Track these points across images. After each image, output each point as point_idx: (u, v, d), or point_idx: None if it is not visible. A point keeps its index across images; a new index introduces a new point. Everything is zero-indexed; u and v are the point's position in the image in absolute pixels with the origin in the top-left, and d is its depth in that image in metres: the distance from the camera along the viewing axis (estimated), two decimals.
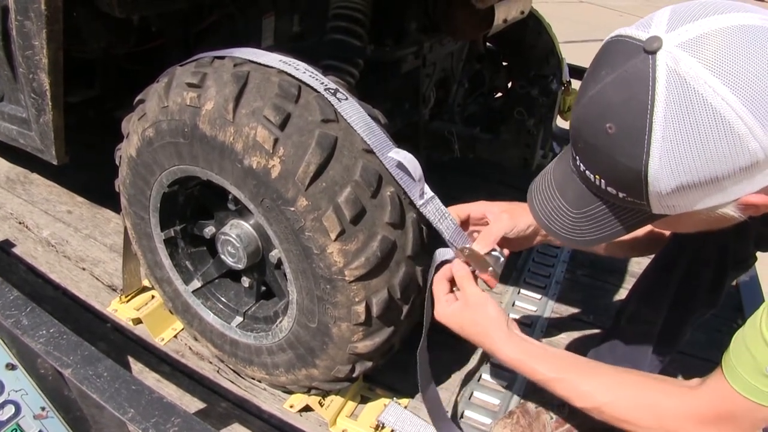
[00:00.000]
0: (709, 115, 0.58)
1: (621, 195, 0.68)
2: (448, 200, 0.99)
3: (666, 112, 0.60)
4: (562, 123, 2.08)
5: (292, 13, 1.58)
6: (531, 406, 1.15)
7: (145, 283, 1.46)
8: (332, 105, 0.93)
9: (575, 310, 1.57)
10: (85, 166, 1.68)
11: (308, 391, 1.18)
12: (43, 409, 1.09)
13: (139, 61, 1.64)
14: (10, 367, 1.12)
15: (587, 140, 0.68)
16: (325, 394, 1.20)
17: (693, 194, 0.63)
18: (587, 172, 0.70)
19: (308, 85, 0.95)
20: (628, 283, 1.67)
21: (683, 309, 1.08)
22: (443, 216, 0.95)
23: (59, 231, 1.74)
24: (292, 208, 0.91)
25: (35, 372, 1.13)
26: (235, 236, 1.09)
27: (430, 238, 1.01)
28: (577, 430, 1.10)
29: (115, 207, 1.39)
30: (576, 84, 1.80)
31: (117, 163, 1.20)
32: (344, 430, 1.17)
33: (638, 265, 1.71)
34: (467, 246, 0.94)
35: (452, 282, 0.95)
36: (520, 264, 1.71)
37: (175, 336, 1.39)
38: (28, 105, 1.21)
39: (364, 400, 1.23)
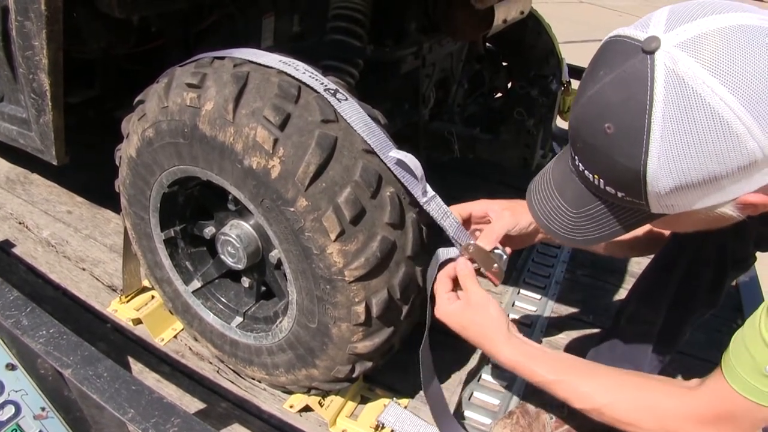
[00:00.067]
0: (707, 115, 0.58)
1: (620, 194, 0.68)
2: (449, 200, 0.99)
3: (664, 112, 0.60)
4: (561, 123, 2.09)
5: (292, 14, 1.58)
6: (531, 406, 1.15)
7: (145, 283, 1.46)
8: (332, 105, 0.93)
9: (575, 310, 1.57)
10: (85, 166, 1.68)
11: (308, 391, 1.18)
12: (43, 409, 1.09)
13: (139, 61, 1.64)
14: (10, 367, 1.12)
15: (586, 140, 0.68)
16: (325, 394, 1.20)
17: (691, 194, 0.63)
18: (586, 171, 0.71)
19: (308, 86, 0.95)
20: (628, 283, 1.67)
21: (683, 309, 1.08)
22: (446, 214, 0.95)
23: (59, 231, 1.74)
24: (292, 209, 0.91)
25: (35, 372, 1.13)
26: (235, 236, 1.09)
27: (430, 239, 1.02)
28: (576, 430, 1.10)
29: (115, 207, 1.40)
30: (576, 84, 1.80)
31: (117, 163, 1.20)
32: (344, 431, 1.17)
33: (638, 265, 1.71)
34: (471, 243, 0.94)
35: (455, 281, 0.95)
36: (519, 264, 1.71)
37: (175, 336, 1.39)
38: (28, 105, 1.22)
39: (364, 401, 1.23)
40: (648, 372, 1.10)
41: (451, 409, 1.23)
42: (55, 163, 1.28)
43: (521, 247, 1.03)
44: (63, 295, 1.49)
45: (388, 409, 1.19)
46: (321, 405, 1.19)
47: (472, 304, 0.91)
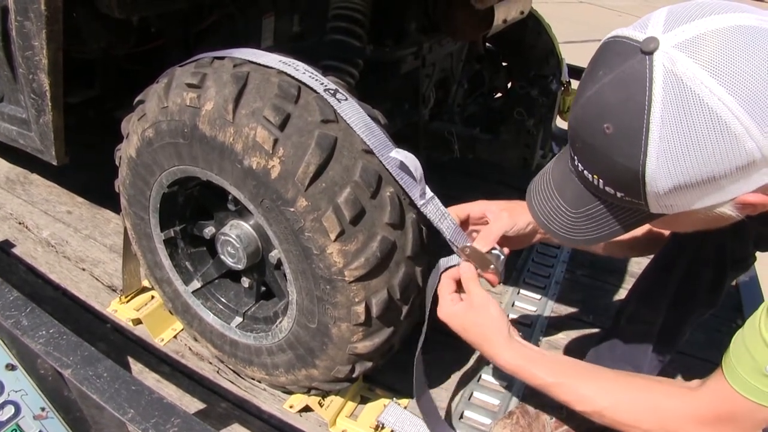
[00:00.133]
0: (706, 116, 0.58)
1: (619, 195, 0.68)
2: (448, 200, 0.99)
3: (663, 113, 0.60)
4: (561, 123, 2.09)
5: (292, 14, 1.58)
6: (530, 406, 1.15)
7: (145, 283, 1.46)
8: (332, 105, 0.93)
9: (575, 310, 1.57)
10: (85, 166, 1.68)
11: (308, 391, 1.18)
12: (42, 409, 1.09)
13: (139, 61, 1.64)
14: (10, 367, 1.12)
15: (585, 140, 0.68)
16: (324, 394, 1.20)
17: (690, 194, 0.64)
18: (585, 172, 0.71)
19: (308, 86, 0.95)
20: (628, 283, 1.67)
21: (682, 309, 1.08)
22: (443, 216, 0.95)
23: (59, 231, 1.74)
24: (292, 209, 0.91)
25: (35, 372, 1.13)
26: (234, 237, 1.09)
27: (430, 239, 1.02)
28: (576, 431, 1.10)
29: (115, 207, 1.40)
30: (575, 84, 1.80)
31: (117, 163, 1.20)
32: (344, 431, 1.17)
33: (638, 265, 1.71)
34: (468, 245, 0.94)
35: (458, 283, 0.95)
36: (519, 264, 1.71)
37: (175, 336, 1.39)
38: (28, 105, 1.22)
39: (363, 401, 1.24)
40: (648, 372, 1.10)
41: (450, 408, 1.24)
42: (54, 163, 1.28)
43: (519, 248, 1.04)
44: (63, 296, 1.49)
45: (388, 409, 1.19)
46: (321, 405, 1.19)
47: (474, 307, 0.91)
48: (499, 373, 1.32)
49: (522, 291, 1.61)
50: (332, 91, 0.95)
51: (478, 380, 1.31)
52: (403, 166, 0.93)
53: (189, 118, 0.96)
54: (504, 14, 1.65)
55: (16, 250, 1.64)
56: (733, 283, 1.59)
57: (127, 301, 1.44)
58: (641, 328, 1.11)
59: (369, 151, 0.93)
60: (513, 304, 1.56)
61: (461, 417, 1.23)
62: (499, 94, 2.28)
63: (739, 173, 0.61)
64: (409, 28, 1.67)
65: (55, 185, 1.96)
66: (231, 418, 1.19)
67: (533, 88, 1.86)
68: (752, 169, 0.61)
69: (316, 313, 1.00)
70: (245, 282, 1.23)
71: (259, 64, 0.98)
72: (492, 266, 0.93)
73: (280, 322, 1.10)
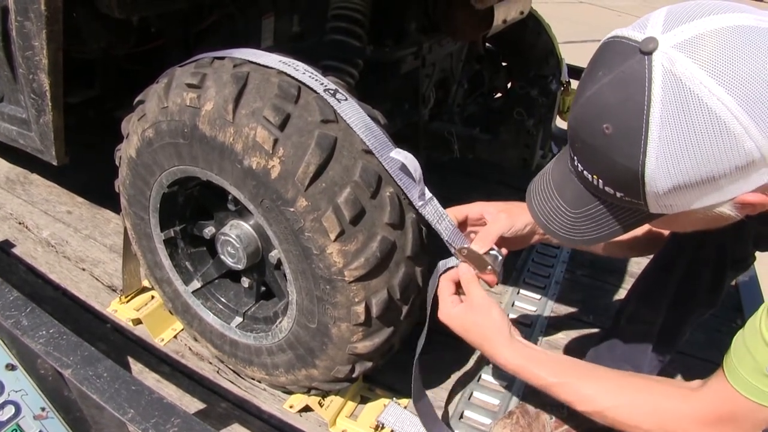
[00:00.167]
0: (705, 116, 0.58)
1: (619, 195, 0.68)
2: (448, 201, 0.99)
3: (662, 113, 0.60)
4: (561, 123, 2.09)
5: (292, 14, 1.58)
6: (530, 406, 1.15)
7: (145, 283, 1.46)
8: (332, 106, 0.94)
9: (575, 310, 1.58)
10: (85, 166, 1.68)
11: (308, 391, 1.18)
12: (43, 409, 1.09)
13: (139, 61, 1.64)
14: (10, 367, 1.12)
15: (585, 140, 0.68)
16: (324, 394, 1.20)
17: (690, 193, 0.64)
18: (585, 172, 0.71)
19: (308, 86, 0.95)
20: (628, 283, 1.67)
21: (682, 309, 1.08)
22: (441, 217, 0.95)
23: (59, 231, 1.74)
24: (292, 209, 0.91)
25: (35, 372, 1.13)
26: (234, 237, 1.09)
27: (430, 239, 1.02)
28: (576, 430, 1.10)
29: (115, 207, 1.40)
30: (575, 84, 1.81)
31: (117, 163, 1.20)
32: (344, 431, 1.17)
33: (638, 265, 1.72)
34: (465, 246, 0.94)
35: (458, 284, 0.95)
36: (519, 264, 1.71)
37: (175, 336, 1.39)
38: (28, 106, 1.22)
39: (363, 401, 1.24)
40: (648, 372, 1.10)
41: (451, 409, 1.24)
42: (54, 163, 1.28)
43: (518, 249, 1.04)
44: (63, 296, 1.49)
45: (388, 409, 1.19)
46: (321, 405, 1.19)
47: (475, 307, 0.91)
48: (499, 373, 1.32)
49: (522, 291, 1.61)
50: (332, 92, 0.95)
51: (478, 380, 1.31)
52: (402, 167, 0.93)
53: (189, 118, 0.96)
54: (504, 14, 1.65)
55: (16, 250, 1.64)
56: (733, 283, 1.59)
57: (127, 301, 1.44)
58: (641, 328, 1.11)
59: (369, 152, 0.93)
60: (513, 304, 1.56)
61: (461, 417, 1.23)
62: (498, 94, 2.28)
63: (738, 173, 0.61)
64: (409, 28, 1.67)
65: (55, 185, 1.96)
66: (231, 418, 1.19)
67: (533, 88, 1.86)
68: (751, 168, 0.61)
69: (316, 313, 1.00)
70: (245, 282, 1.24)
71: (259, 64, 0.98)
72: (489, 267, 0.93)
73: (280, 322, 1.10)
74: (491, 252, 0.94)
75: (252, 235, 1.11)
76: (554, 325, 1.51)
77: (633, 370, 1.09)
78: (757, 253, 1.07)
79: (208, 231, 1.20)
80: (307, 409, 1.20)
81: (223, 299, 1.26)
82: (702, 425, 0.76)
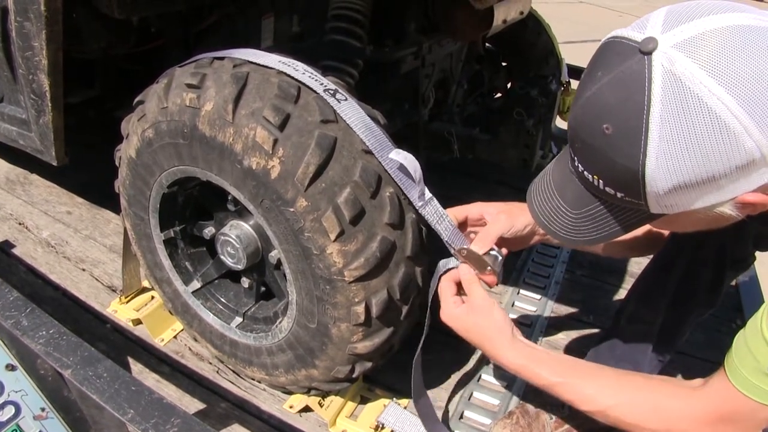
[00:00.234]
0: (705, 115, 0.58)
1: (619, 195, 0.68)
2: (448, 201, 0.99)
3: (662, 113, 0.60)
4: (561, 123, 2.09)
5: (292, 14, 1.58)
6: (530, 406, 1.15)
7: (145, 283, 1.46)
8: (331, 106, 0.93)
9: (575, 311, 1.58)
10: (85, 166, 1.68)
11: (308, 391, 1.18)
12: (42, 409, 1.09)
13: (139, 61, 1.64)
14: (10, 367, 1.12)
15: (585, 141, 0.69)
16: (324, 394, 1.20)
17: (690, 193, 0.64)
18: (585, 172, 0.71)
19: (307, 86, 0.95)
20: (628, 283, 1.67)
21: (682, 309, 1.08)
22: (441, 217, 0.95)
23: (59, 232, 1.74)
24: (292, 209, 0.91)
25: (35, 373, 1.13)
26: (234, 237, 1.09)
27: (430, 239, 1.02)
28: (576, 430, 1.10)
29: (115, 208, 1.40)
30: (575, 84, 1.81)
31: (117, 163, 1.20)
32: (344, 431, 1.17)
33: (638, 265, 1.72)
34: (465, 246, 0.94)
35: (459, 285, 0.95)
36: (519, 264, 1.71)
37: (175, 337, 1.39)
38: (28, 106, 1.22)
39: (363, 401, 1.24)
40: (648, 372, 1.10)
41: (451, 409, 1.24)
42: (54, 163, 1.28)
43: (518, 249, 1.04)
44: (63, 296, 1.49)
45: (387, 409, 1.19)
46: (321, 405, 1.19)
47: (476, 308, 0.91)
48: (499, 373, 1.32)
49: (522, 291, 1.61)
50: (332, 92, 0.95)
51: (478, 380, 1.31)
52: (402, 167, 0.93)
53: (189, 119, 0.96)
54: (504, 14, 1.65)
55: (16, 251, 1.64)
56: (733, 283, 1.59)
57: (127, 302, 1.44)
58: (641, 328, 1.11)
59: (369, 152, 0.93)
60: (513, 304, 1.56)
61: (461, 417, 1.23)
62: (498, 94, 2.29)
63: (739, 173, 0.61)
64: (409, 28, 1.67)
65: (55, 185, 1.96)
66: (231, 418, 1.19)
67: (533, 88, 1.87)
68: (752, 168, 0.61)
69: (315, 313, 1.00)
70: (245, 282, 1.23)
71: (259, 65, 0.98)
72: (489, 267, 0.93)
73: (280, 323, 1.10)
74: (491, 252, 0.94)
75: (252, 235, 1.11)
76: (554, 325, 1.51)
77: (633, 369, 1.09)
78: (757, 253, 1.07)
79: (208, 231, 1.20)
80: (307, 409, 1.20)
81: (223, 299, 1.26)
82: (703, 424, 0.76)
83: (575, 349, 1.40)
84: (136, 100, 1.10)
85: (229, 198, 1.10)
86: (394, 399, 1.22)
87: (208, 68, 0.99)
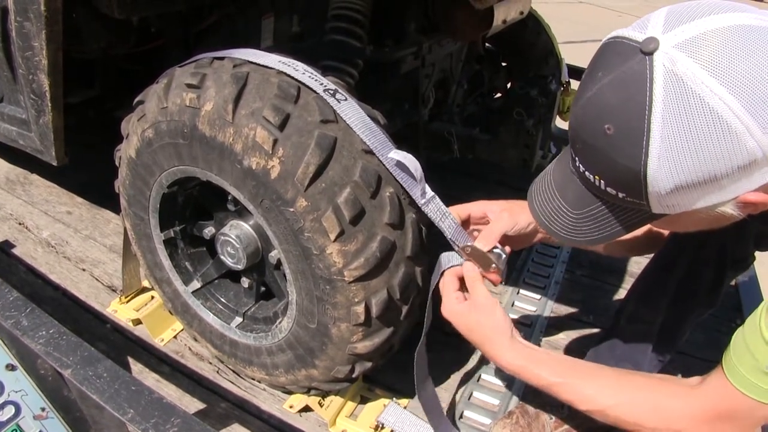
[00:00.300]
0: (707, 115, 0.58)
1: (621, 195, 0.68)
2: (448, 200, 0.99)
3: (664, 113, 0.60)
4: (561, 123, 2.09)
5: (292, 14, 1.58)
6: (530, 406, 1.15)
7: (145, 283, 1.46)
8: (331, 106, 0.93)
9: (575, 310, 1.58)
10: (85, 166, 1.68)
11: (308, 391, 1.18)
12: (43, 409, 1.09)
13: (139, 61, 1.64)
14: (10, 367, 1.12)
15: (586, 141, 0.68)
16: (324, 394, 1.20)
17: (692, 193, 0.64)
18: (587, 172, 0.71)
19: (307, 86, 0.95)
20: (628, 283, 1.67)
21: (682, 308, 1.08)
22: (444, 215, 0.95)
23: (59, 232, 1.74)
24: (292, 209, 0.91)
25: (35, 373, 1.13)
26: (234, 237, 1.09)
27: (430, 239, 1.02)
28: (576, 430, 1.10)
29: (115, 208, 1.40)
30: (575, 84, 1.81)
31: (117, 163, 1.20)
32: (344, 431, 1.17)
33: (638, 265, 1.72)
34: (469, 244, 0.94)
35: (462, 281, 0.95)
36: (519, 264, 1.71)
37: (175, 337, 1.39)
38: (28, 106, 1.22)
39: (363, 401, 1.24)
40: (648, 371, 1.10)
41: (450, 408, 1.23)
42: (54, 163, 1.28)
43: (520, 248, 1.04)
44: (63, 296, 1.49)
45: (387, 409, 1.19)
46: (321, 405, 1.19)
47: (478, 306, 0.91)
48: (499, 373, 1.32)
49: (522, 291, 1.61)
50: (332, 92, 0.95)
51: (478, 380, 1.31)
52: (402, 167, 0.93)
53: (189, 119, 0.96)
54: (503, 14, 1.65)
55: (16, 251, 1.64)
56: (733, 282, 1.59)
57: (127, 302, 1.44)
58: (641, 328, 1.11)
59: (369, 151, 0.93)
60: (513, 304, 1.56)
61: (461, 417, 1.23)
62: (498, 94, 2.29)
63: (741, 172, 0.61)
64: (409, 28, 1.67)
65: (55, 185, 1.96)
66: (231, 418, 1.19)
67: (533, 88, 1.87)
68: (754, 167, 0.61)
69: (315, 313, 1.00)
70: (245, 282, 1.23)
71: (259, 65, 0.98)
72: (494, 265, 0.93)
73: (280, 323, 1.10)
74: (495, 250, 0.94)
75: (252, 235, 1.11)
76: (554, 325, 1.51)
77: (633, 369, 1.09)
78: (757, 253, 1.07)
79: (208, 231, 1.20)
80: (307, 409, 1.20)
81: (222, 299, 1.26)
82: (701, 423, 0.76)
83: (575, 349, 1.40)
84: (136, 100, 1.10)
85: (229, 198, 1.10)
86: (394, 399, 1.22)
87: (208, 68, 0.99)
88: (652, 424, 0.80)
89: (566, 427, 1.10)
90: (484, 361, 1.34)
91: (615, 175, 0.67)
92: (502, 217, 0.97)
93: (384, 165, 0.94)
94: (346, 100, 0.95)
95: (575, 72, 2.17)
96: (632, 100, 0.62)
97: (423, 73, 1.71)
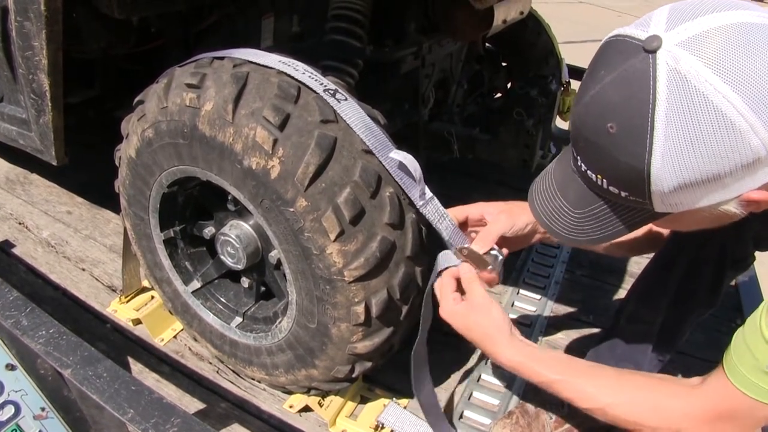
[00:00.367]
0: (711, 113, 0.58)
1: (623, 194, 0.68)
2: (448, 201, 0.99)
3: (667, 111, 0.60)
4: (561, 123, 2.09)
5: (292, 14, 1.58)
6: (530, 406, 1.15)
7: (145, 283, 1.46)
8: (331, 106, 0.93)
9: (575, 310, 1.57)
10: (85, 166, 1.68)
11: (308, 391, 1.18)
12: (42, 409, 1.09)
13: (139, 61, 1.64)
14: (10, 367, 1.12)
15: (588, 140, 0.68)
16: (324, 394, 1.20)
17: (695, 192, 0.64)
18: (589, 171, 0.71)
19: (307, 86, 0.95)
20: (628, 283, 1.67)
21: (682, 308, 1.08)
22: (442, 216, 0.95)
23: (59, 231, 1.74)
24: (292, 209, 0.91)
25: (35, 372, 1.13)
26: (234, 237, 1.09)
27: (430, 239, 1.02)
28: (576, 429, 1.10)
29: (115, 208, 1.40)
30: (575, 84, 1.81)
31: (117, 163, 1.20)
32: (344, 431, 1.17)
33: (638, 265, 1.72)
34: (466, 245, 0.94)
35: (459, 282, 0.95)
36: (519, 264, 1.71)
37: (175, 336, 1.39)
38: (28, 106, 1.22)
39: (363, 401, 1.23)
40: (648, 371, 1.10)
41: (450, 408, 1.23)
42: (54, 163, 1.28)
43: (518, 249, 1.04)
44: (63, 296, 1.49)
45: (387, 409, 1.19)
46: (321, 405, 1.19)
47: (476, 306, 0.91)
48: (498, 373, 1.32)
49: (522, 291, 1.61)
50: (332, 92, 0.95)
51: (478, 380, 1.31)
52: (402, 167, 0.93)
53: (189, 119, 0.96)
54: (504, 14, 1.65)
55: (16, 251, 1.64)
56: (733, 282, 1.59)
57: (127, 301, 1.44)
58: (641, 328, 1.11)
59: (369, 152, 0.93)
60: (513, 304, 1.56)
61: (461, 417, 1.23)
62: (498, 95, 2.29)
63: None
64: (409, 28, 1.67)
65: (55, 185, 1.96)
66: (231, 418, 1.19)
67: (533, 88, 1.87)
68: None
69: (315, 313, 1.00)
70: (245, 282, 1.23)
71: (259, 65, 0.98)
72: (490, 267, 0.94)
73: (280, 323, 1.10)
74: (492, 252, 0.94)
75: (252, 235, 1.11)
76: (554, 325, 1.51)
77: (633, 369, 1.09)
78: (757, 253, 1.07)
79: (208, 231, 1.20)
80: (306, 409, 1.20)
81: (222, 299, 1.26)
82: (702, 422, 0.76)
83: (575, 349, 1.39)
84: (136, 100, 1.10)
85: (229, 198, 1.10)
86: (394, 399, 1.22)
87: (208, 68, 0.99)
88: (653, 424, 0.80)
89: (566, 426, 1.10)
90: (484, 361, 1.34)
91: (618, 173, 0.67)
92: (500, 219, 0.97)
93: (383, 165, 0.94)
94: (346, 100, 0.95)
95: (575, 72, 2.17)
96: (635, 98, 0.62)
97: (423, 73, 1.71)
